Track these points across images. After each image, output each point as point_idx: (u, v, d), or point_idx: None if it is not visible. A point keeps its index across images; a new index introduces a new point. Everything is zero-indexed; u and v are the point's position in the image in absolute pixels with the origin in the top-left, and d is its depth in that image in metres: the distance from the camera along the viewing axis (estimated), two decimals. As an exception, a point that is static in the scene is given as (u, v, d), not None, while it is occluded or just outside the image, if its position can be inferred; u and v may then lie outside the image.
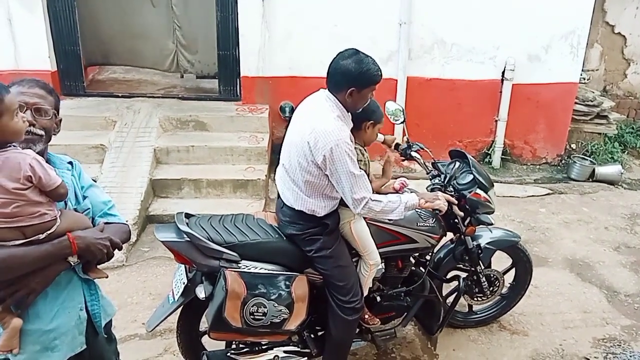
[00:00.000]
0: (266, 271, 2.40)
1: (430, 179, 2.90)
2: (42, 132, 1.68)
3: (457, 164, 2.92)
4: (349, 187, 2.26)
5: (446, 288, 3.22)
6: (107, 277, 1.80)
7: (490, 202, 2.84)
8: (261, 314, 2.32)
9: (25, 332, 1.61)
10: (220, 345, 2.66)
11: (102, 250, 1.67)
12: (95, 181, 4.79)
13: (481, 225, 2.96)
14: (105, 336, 1.89)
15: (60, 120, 1.78)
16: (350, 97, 2.28)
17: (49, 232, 1.58)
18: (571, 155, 6.31)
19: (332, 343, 2.64)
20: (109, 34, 6.18)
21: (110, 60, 6.43)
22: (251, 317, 2.31)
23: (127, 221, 4.33)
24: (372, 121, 2.53)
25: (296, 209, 2.42)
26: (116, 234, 1.76)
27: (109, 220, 1.80)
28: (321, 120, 2.26)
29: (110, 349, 1.95)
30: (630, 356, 3.19)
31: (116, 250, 1.74)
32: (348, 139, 2.27)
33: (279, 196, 2.56)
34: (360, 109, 2.40)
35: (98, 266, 1.76)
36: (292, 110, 2.56)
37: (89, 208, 1.78)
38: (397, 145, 2.99)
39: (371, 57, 2.28)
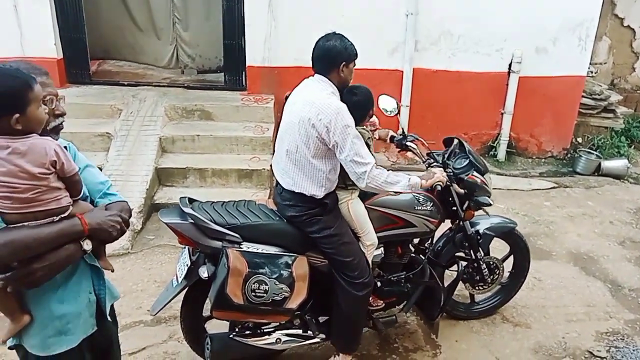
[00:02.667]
0: (267, 251, 2.45)
1: (427, 168, 2.93)
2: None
3: (456, 141, 3.00)
4: (353, 154, 2.35)
5: (448, 279, 3.22)
6: (112, 270, 1.83)
7: (487, 185, 2.90)
8: (262, 291, 2.36)
9: (38, 319, 1.64)
10: (224, 329, 2.68)
11: (116, 226, 1.67)
12: (100, 169, 4.81)
13: (480, 210, 3.00)
14: (111, 319, 1.93)
15: None
16: (343, 72, 2.47)
17: (62, 215, 1.59)
18: (577, 149, 6.28)
19: (343, 324, 2.67)
20: (108, 28, 6.14)
21: (111, 54, 6.39)
22: (253, 293, 2.34)
23: (133, 209, 4.35)
24: (372, 111, 2.67)
25: (296, 191, 2.47)
26: (120, 211, 1.76)
27: (109, 199, 1.80)
28: (317, 97, 2.41)
29: (114, 330, 2.00)
30: (634, 350, 3.19)
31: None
32: (346, 109, 2.40)
33: (277, 184, 2.60)
34: (348, 82, 2.56)
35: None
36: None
37: (87, 196, 1.78)
38: (392, 137, 3.02)
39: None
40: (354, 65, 2.53)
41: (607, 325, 3.43)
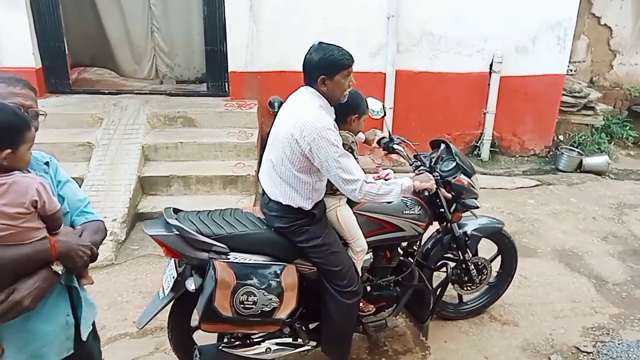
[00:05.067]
0: (255, 261, 2.41)
1: (414, 170, 2.93)
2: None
3: (443, 145, 2.98)
4: (341, 173, 2.28)
5: (436, 280, 3.23)
6: (92, 283, 1.80)
7: (474, 187, 2.90)
8: (251, 303, 2.33)
9: (12, 342, 1.59)
10: (212, 340, 2.65)
11: (83, 257, 1.63)
12: (82, 180, 4.72)
13: (467, 212, 3.00)
14: (92, 335, 1.88)
15: None
16: (324, 85, 2.33)
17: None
18: (559, 146, 6.36)
19: (333, 332, 2.65)
20: (87, 37, 6.03)
21: (90, 62, 6.27)
22: (241, 306, 2.31)
23: (114, 219, 4.27)
24: (357, 114, 2.60)
25: (283, 203, 2.43)
26: (95, 233, 1.75)
27: (86, 218, 1.79)
28: (304, 111, 2.31)
29: (95, 346, 1.96)
30: (619, 344, 3.23)
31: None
32: (332, 126, 2.31)
33: (264, 193, 2.56)
34: (344, 99, 2.42)
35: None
36: (281, 105, 2.57)
37: (68, 211, 1.75)
38: (380, 140, 3.00)
39: (336, 45, 2.34)
40: (345, 78, 2.34)
41: (592, 320, 3.47)
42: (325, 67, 2.30)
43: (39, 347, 1.63)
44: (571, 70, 6.76)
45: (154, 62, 6.14)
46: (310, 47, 2.37)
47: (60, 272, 1.60)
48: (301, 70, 2.41)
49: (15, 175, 1.53)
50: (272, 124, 2.52)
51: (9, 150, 1.50)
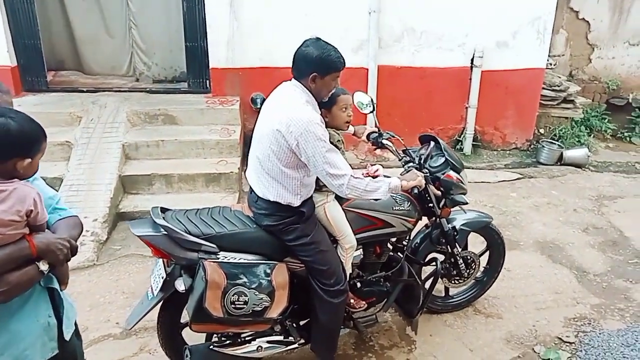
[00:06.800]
0: (245, 261, 2.39)
1: (403, 165, 2.91)
2: None
3: (432, 143, 2.98)
4: (328, 168, 2.27)
5: (425, 273, 3.24)
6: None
7: (462, 183, 2.91)
8: (242, 303, 2.31)
9: None
10: (202, 338, 2.63)
11: (63, 250, 1.62)
12: (62, 179, 4.63)
13: (456, 207, 3.01)
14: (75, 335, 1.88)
15: None
16: (314, 83, 2.33)
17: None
18: (540, 139, 6.44)
19: (321, 330, 2.65)
20: (62, 38, 5.90)
21: (65, 66, 6.10)
22: (232, 306, 2.29)
23: (95, 219, 4.19)
24: (325, 108, 2.53)
25: (271, 200, 2.41)
26: (72, 228, 1.75)
27: (59, 215, 1.78)
28: (291, 107, 2.30)
29: (78, 345, 1.96)
30: (600, 333, 3.29)
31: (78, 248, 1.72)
32: (319, 121, 2.30)
33: (251, 190, 2.53)
34: (326, 99, 2.44)
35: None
36: (264, 101, 2.54)
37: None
38: (369, 134, 2.98)
39: (332, 45, 2.35)
40: (335, 79, 2.35)
41: (574, 311, 3.52)
42: (320, 65, 2.29)
43: (21, 350, 1.62)
44: (551, 64, 6.83)
45: (132, 60, 6.03)
46: (306, 40, 2.34)
47: (45, 271, 1.59)
48: (283, 66, 2.39)
49: (16, 183, 1.54)
50: (256, 120, 2.49)
51: (30, 160, 1.54)
